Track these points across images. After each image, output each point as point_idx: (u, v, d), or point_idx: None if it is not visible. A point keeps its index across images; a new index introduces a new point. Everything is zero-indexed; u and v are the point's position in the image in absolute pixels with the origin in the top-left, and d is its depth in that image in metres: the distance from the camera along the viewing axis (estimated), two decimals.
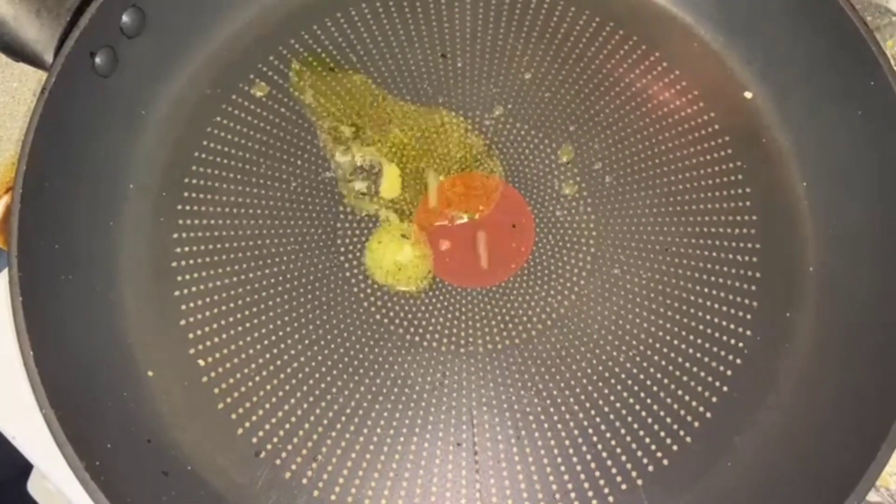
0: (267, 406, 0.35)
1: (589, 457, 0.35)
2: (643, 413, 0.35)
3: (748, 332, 0.37)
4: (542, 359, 0.36)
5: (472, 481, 0.34)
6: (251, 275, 0.37)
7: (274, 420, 0.35)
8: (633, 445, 0.35)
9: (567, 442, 0.35)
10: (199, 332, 0.36)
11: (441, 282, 0.38)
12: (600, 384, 0.36)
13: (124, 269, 0.37)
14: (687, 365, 0.36)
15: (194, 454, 0.34)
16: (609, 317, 0.37)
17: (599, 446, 0.35)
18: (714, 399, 0.36)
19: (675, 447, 0.35)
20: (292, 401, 0.35)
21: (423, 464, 0.35)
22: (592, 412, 0.35)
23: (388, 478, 0.34)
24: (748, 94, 0.41)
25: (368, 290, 0.37)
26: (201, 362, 0.36)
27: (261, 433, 0.35)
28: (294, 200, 0.39)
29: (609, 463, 0.34)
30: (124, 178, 0.38)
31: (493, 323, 0.37)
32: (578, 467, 0.34)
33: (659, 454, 0.35)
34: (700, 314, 0.37)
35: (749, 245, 0.38)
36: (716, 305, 0.37)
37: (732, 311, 0.37)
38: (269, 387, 0.35)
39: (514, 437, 0.35)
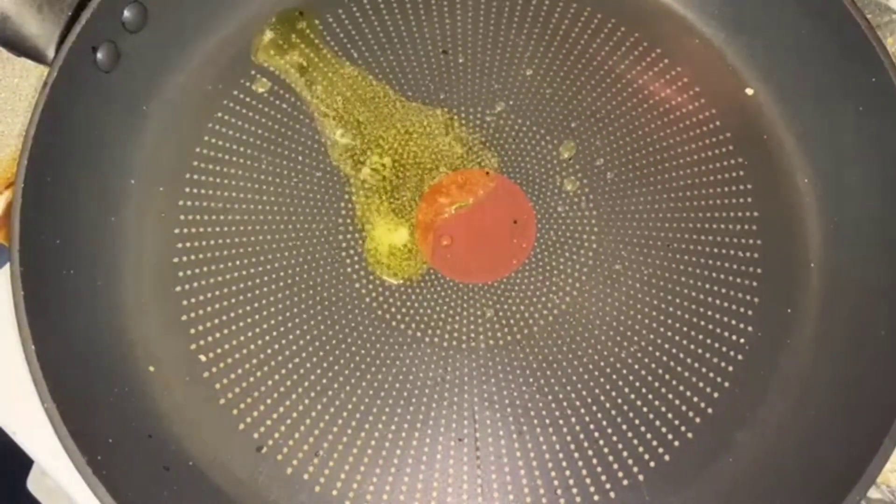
0: (269, 401, 0.35)
1: (590, 452, 0.35)
2: (644, 409, 0.35)
3: (749, 328, 0.37)
4: (543, 355, 0.36)
5: (473, 477, 0.34)
6: (252, 270, 0.37)
7: (275, 415, 0.35)
8: (635, 441, 0.35)
9: (569, 437, 0.35)
10: (200, 328, 0.36)
11: (443, 278, 0.38)
12: (602, 380, 0.36)
13: (126, 264, 0.37)
14: (688, 361, 0.36)
15: (196, 449, 0.34)
16: (610, 313, 0.37)
17: (601, 442, 0.35)
18: (715, 395, 0.36)
19: (676, 443, 0.35)
20: (294, 396, 0.35)
21: (424, 459, 0.35)
22: (594, 408, 0.35)
23: (390, 473, 0.34)
24: (749, 91, 0.41)
25: (370, 286, 0.37)
26: (203, 358, 0.36)
27: (262, 429, 0.35)
28: (295, 196, 0.39)
29: (610, 458, 0.34)
30: (126, 174, 0.38)
31: (494, 319, 0.37)
32: (580, 463, 0.34)
33: (660, 450, 0.35)
34: (701, 310, 0.37)
35: (750, 241, 0.38)
36: (717, 301, 0.37)
37: (734, 307, 0.37)
38: (270, 382, 0.35)
39: (515, 432, 0.35)
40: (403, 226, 0.39)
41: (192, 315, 0.37)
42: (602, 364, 0.36)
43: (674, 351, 0.36)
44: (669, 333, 0.37)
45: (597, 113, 0.41)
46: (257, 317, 0.37)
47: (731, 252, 0.38)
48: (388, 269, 0.38)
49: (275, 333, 0.36)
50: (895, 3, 0.44)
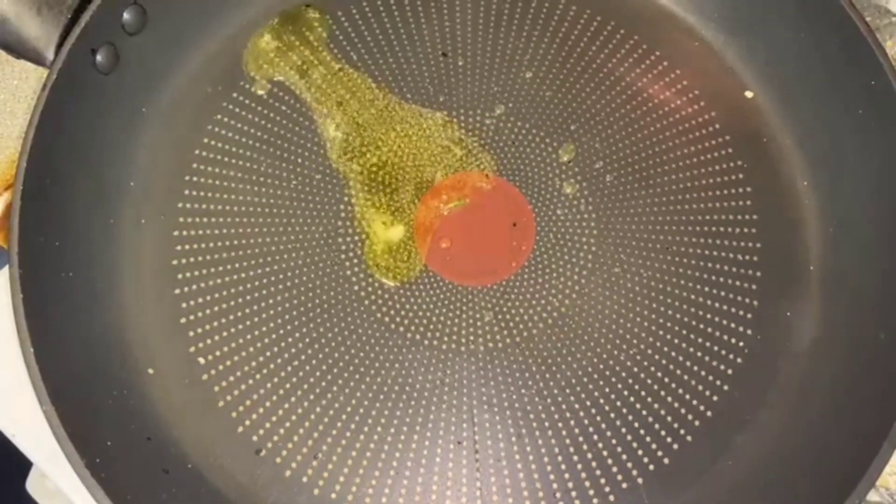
0: (267, 404, 0.35)
1: (590, 455, 0.35)
2: (644, 412, 0.35)
3: (749, 331, 0.37)
4: (542, 357, 0.36)
5: (472, 480, 0.34)
6: (251, 273, 0.37)
7: (274, 418, 0.35)
8: (634, 444, 0.35)
9: (568, 440, 0.35)
10: (199, 330, 0.36)
11: (442, 280, 0.38)
12: (601, 383, 0.36)
13: (125, 266, 0.37)
14: (688, 364, 0.36)
15: (194, 452, 0.34)
16: (610, 315, 0.37)
17: (600, 445, 0.35)
18: (715, 398, 0.36)
19: (675, 446, 0.35)
20: (293, 399, 0.35)
21: (423, 462, 0.35)
22: (593, 411, 0.35)
23: (389, 476, 0.34)
24: (749, 94, 0.41)
25: (369, 289, 0.37)
26: (201, 360, 0.36)
27: (261, 431, 0.35)
28: (295, 199, 0.39)
29: (610, 461, 0.34)
30: (125, 176, 0.38)
31: (493, 322, 0.37)
32: (579, 466, 0.34)
33: (660, 453, 0.35)
34: (701, 313, 0.37)
35: (750, 244, 0.38)
36: (716, 304, 0.37)
37: (733, 309, 0.37)
38: (269, 385, 0.35)
39: (514, 435, 0.35)
40: (402, 228, 0.39)
41: (192, 317, 0.36)
42: (601, 367, 0.36)
43: (673, 354, 0.36)
44: (669, 336, 0.37)
45: (596, 116, 0.41)
46: (256, 319, 0.37)
47: (731, 255, 0.38)
48: (386, 272, 0.38)
49: (274, 336, 0.36)
50: (894, 5, 0.44)
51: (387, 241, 0.38)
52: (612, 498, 0.34)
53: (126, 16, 0.37)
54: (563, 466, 0.34)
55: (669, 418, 0.35)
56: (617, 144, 0.40)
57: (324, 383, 0.36)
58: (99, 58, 0.37)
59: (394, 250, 0.38)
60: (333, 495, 0.34)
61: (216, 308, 0.37)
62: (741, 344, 0.36)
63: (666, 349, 0.36)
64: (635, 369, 0.36)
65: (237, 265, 0.38)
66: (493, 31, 0.42)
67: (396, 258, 0.38)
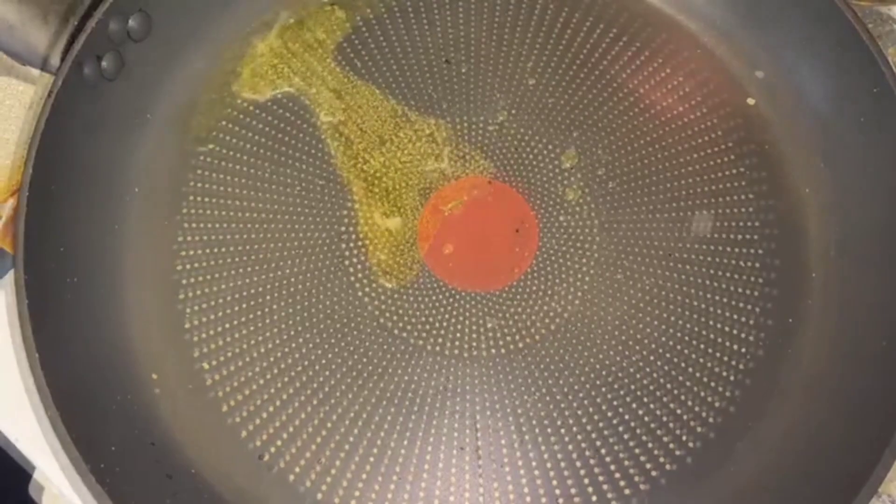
0: (271, 409, 0.35)
1: (593, 462, 0.35)
2: (646, 418, 0.35)
3: (750, 338, 0.37)
4: (545, 363, 0.36)
5: (475, 486, 0.34)
6: (255, 279, 0.38)
7: (277, 424, 0.35)
8: (637, 450, 0.35)
9: (570, 447, 0.35)
10: (202, 336, 0.36)
11: (445, 285, 0.38)
12: (603, 389, 0.36)
13: (129, 272, 0.37)
14: (690, 370, 0.36)
15: (198, 457, 0.34)
16: (612, 322, 0.37)
17: (603, 451, 0.35)
18: (717, 404, 0.36)
19: (678, 452, 0.35)
20: (296, 404, 0.35)
21: (426, 468, 0.35)
22: (596, 417, 0.35)
23: (392, 482, 0.34)
24: (751, 101, 0.42)
25: (372, 294, 0.37)
26: (205, 366, 0.36)
27: (264, 437, 0.35)
28: (298, 205, 0.39)
29: (612, 468, 0.34)
30: (129, 182, 0.39)
31: (497, 327, 0.37)
32: (582, 472, 0.34)
33: (662, 459, 0.35)
34: (703, 320, 0.37)
35: (752, 251, 0.38)
36: (719, 311, 0.37)
37: (735, 316, 0.37)
38: (272, 390, 0.36)
39: (517, 441, 0.35)
40: (405, 234, 0.39)
41: (195, 323, 0.37)
42: (604, 373, 0.36)
43: (675, 360, 0.36)
44: (671, 343, 0.37)
45: (599, 122, 0.41)
46: (260, 325, 0.37)
47: (733, 261, 0.38)
48: (389, 277, 0.38)
49: (277, 342, 0.36)
50: None
51: (390, 246, 0.38)
52: None
53: (131, 22, 0.38)
54: (566, 472, 0.34)
55: (672, 424, 0.35)
56: (619, 151, 0.40)
57: (327, 389, 0.36)
58: (104, 64, 0.37)
59: (397, 256, 0.38)
60: (336, 500, 0.34)
61: (220, 314, 0.37)
62: (743, 350, 0.37)
63: (668, 355, 0.36)
64: (638, 375, 0.36)
65: (240, 271, 0.38)
66: (497, 38, 0.43)
67: (399, 263, 0.38)
